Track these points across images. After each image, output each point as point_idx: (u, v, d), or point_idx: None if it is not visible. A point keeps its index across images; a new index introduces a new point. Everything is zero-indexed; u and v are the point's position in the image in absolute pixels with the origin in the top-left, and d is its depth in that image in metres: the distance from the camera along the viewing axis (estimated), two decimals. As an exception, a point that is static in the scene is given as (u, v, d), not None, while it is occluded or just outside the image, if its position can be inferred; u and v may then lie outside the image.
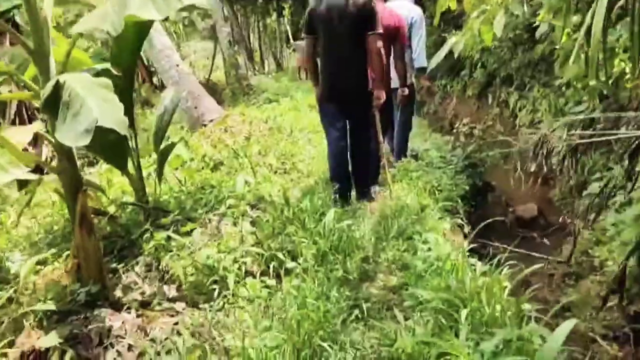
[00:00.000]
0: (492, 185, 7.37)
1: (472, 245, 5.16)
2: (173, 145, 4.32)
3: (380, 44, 4.19)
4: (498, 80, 10.98)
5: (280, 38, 29.05)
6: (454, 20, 11.19)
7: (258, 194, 4.71)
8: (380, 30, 4.21)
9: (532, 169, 5.43)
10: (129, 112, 4.07)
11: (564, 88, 6.89)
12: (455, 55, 3.76)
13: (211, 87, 14.36)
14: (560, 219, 6.17)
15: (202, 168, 6.00)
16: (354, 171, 4.73)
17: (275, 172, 5.86)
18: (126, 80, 3.95)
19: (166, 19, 17.01)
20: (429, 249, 3.20)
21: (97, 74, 3.33)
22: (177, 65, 7.59)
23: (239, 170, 5.54)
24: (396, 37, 5.02)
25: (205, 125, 7.35)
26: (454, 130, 7.66)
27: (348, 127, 4.61)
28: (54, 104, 2.58)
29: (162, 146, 4.20)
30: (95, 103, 2.40)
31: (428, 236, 3.37)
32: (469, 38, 3.91)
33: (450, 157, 7.06)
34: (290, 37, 34.35)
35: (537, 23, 5.64)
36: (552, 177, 7.55)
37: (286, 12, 22.34)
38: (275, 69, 28.49)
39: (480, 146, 7.33)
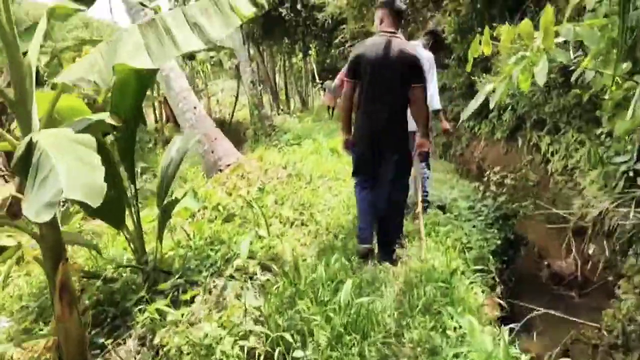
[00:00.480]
0: (524, 238, 6.82)
1: (504, 313, 4.67)
2: (177, 201, 3.92)
3: (421, 95, 4.12)
4: (529, 124, 10.48)
5: (306, 77, 29.01)
6: (482, 63, 10.80)
7: (270, 253, 4.29)
8: (424, 84, 4.13)
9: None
10: (130, 164, 3.71)
11: (603, 136, 6.39)
12: (492, 105, 3.32)
13: (234, 127, 14.12)
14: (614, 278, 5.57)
15: (215, 218, 5.60)
16: (381, 226, 4.43)
17: (292, 224, 5.42)
18: (127, 130, 3.60)
19: (192, 58, 16.96)
20: (462, 338, 2.70)
21: (89, 126, 2.97)
22: (195, 108, 7.28)
23: (253, 222, 5.12)
24: None
25: (221, 170, 6.99)
26: (485, 178, 7.14)
27: (381, 176, 4.32)
28: (26, 166, 2.21)
29: (166, 201, 3.81)
30: (66, 168, 2.01)
31: (460, 320, 2.86)
32: (506, 85, 3.48)
33: (480, 207, 6.57)
34: (316, 76, 34.45)
35: (572, 67, 5.21)
36: (590, 228, 6.99)
37: (312, 52, 22.23)
38: (300, 108, 28.41)
39: (512, 196, 6.81)
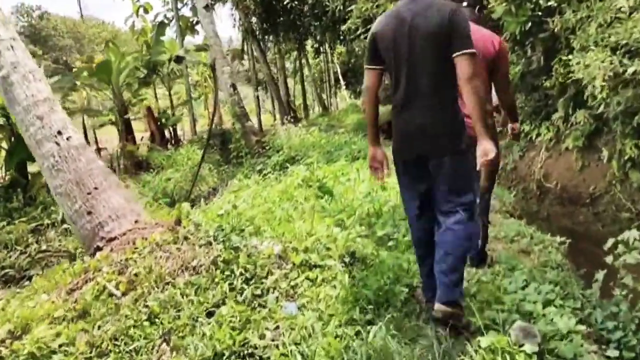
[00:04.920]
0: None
1: None
2: None
3: (472, 69, 2.65)
4: (618, 128, 6.92)
5: (322, 78, 25.66)
6: (545, 42, 7.16)
7: None
8: (472, 49, 2.67)
9: None
10: None
11: None
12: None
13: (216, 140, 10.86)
14: None
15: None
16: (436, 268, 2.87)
17: None
18: None
19: (179, 61, 13.70)
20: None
21: None
22: (59, 134, 3.90)
23: None
24: (496, 65, 3.63)
25: (99, 249, 3.63)
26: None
27: (437, 191, 2.95)
28: None
29: None
30: None
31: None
32: None
33: (603, 321, 3.11)
34: (340, 77, 31.05)
35: None
36: None
37: (326, 47, 18.77)
38: (321, 113, 25.14)
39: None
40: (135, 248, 3.52)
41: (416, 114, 2.89)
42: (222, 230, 3.64)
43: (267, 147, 9.28)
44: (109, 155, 12.80)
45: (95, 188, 3.92)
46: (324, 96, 28.36)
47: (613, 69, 5.09)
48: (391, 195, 5.63)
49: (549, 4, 6.64)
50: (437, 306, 2.75)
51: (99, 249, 3.70)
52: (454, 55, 2.66)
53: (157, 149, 12.52)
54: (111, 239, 3.71)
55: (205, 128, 19.99)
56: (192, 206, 8.01)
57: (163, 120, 14.17)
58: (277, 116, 18.82)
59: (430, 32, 2.72)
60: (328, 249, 3.68)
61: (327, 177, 6.25)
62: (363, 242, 4.01)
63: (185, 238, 3.58)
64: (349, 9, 10.81)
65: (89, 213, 3.86)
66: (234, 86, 9.61)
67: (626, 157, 6.85)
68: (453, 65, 2.70)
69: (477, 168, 2.79)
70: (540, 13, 6.77)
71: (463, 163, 2.88)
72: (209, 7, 9.69)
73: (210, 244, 3.52)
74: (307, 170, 6.59)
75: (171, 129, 15.55)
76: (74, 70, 15.16)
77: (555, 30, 6.49)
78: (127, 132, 12.43)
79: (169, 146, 14.06)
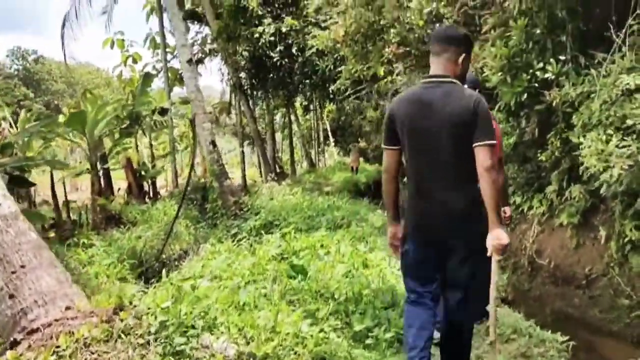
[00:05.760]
0: None
1: None
2: None
3: (491, 159, 2.71)
4: (617, 207, 6.48)
5: (311, 135, 25.45)
6: (544, 114, 6.78)
7: None
8: (493, 141, 2.72)
9: None
10: None
11: None
12: None
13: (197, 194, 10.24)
14: None
15: None
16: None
17: None
18: None
19: (164, 114, 13.24)
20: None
21: None
22: (-13, 200, 3.35)
23: None
24: None
25: (17, 343, 2.97)
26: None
27: (446, 285, 2.98)
28: None
29: None
30: None
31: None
32: None
33: None
34: (330, 134, 30.90)
35: None
36: None
37: (316, 105, 18.55)
38: (307, 169, 24.79)
39: None
40: (57, 347, 2.87)
41: (433, 199, 2.91)
42: (166, 327, 3.00)
43: (245, 209, 8.72)
44: (79, 208, 12.14)
45: (22, 266, 3.30)
46: (312, 152, 28.11)
47: (630, 155, 4.63)
48: (373, 274, 5.07)
49: (546, 76, 6.28)
50: None
51: (16, 343, 3.03)
52: (474, 145, 2.70)
53: (133, 202, 11.89)
54: (32, 331, 3.06)
55: (188, 180, 19.40)
56: (162, 268, 7.38)
57: (142, 172, 13.62)
58: (263, 171, 18.36)
59: (453, 121, 2.75)
60: (295, 352, 3.06)
61: (304, 250, 5.67)
62: (336, 340, 3.41)
63: (119, 336, 2.93)
64: (339, 69, 10.55)
65: (11, 297, 3.22)
66: (213, 143, 9.13)
67: (626, 239, 6.37)
68: (468, 154, 2.73)
69: (489, 253, 2.72)
70: (537, 85, 6.40)
71: (482, 255, 2.79)
72: (192, 62, 9.36)
73: (150, 343, 2.88)
74: (283, 240, 6.03)
75: (150, 181, 14.97)
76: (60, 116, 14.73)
77: (553, 103, 6.10)
78: (105, 183, 11.80)
79: (147, 199, 13.43)
